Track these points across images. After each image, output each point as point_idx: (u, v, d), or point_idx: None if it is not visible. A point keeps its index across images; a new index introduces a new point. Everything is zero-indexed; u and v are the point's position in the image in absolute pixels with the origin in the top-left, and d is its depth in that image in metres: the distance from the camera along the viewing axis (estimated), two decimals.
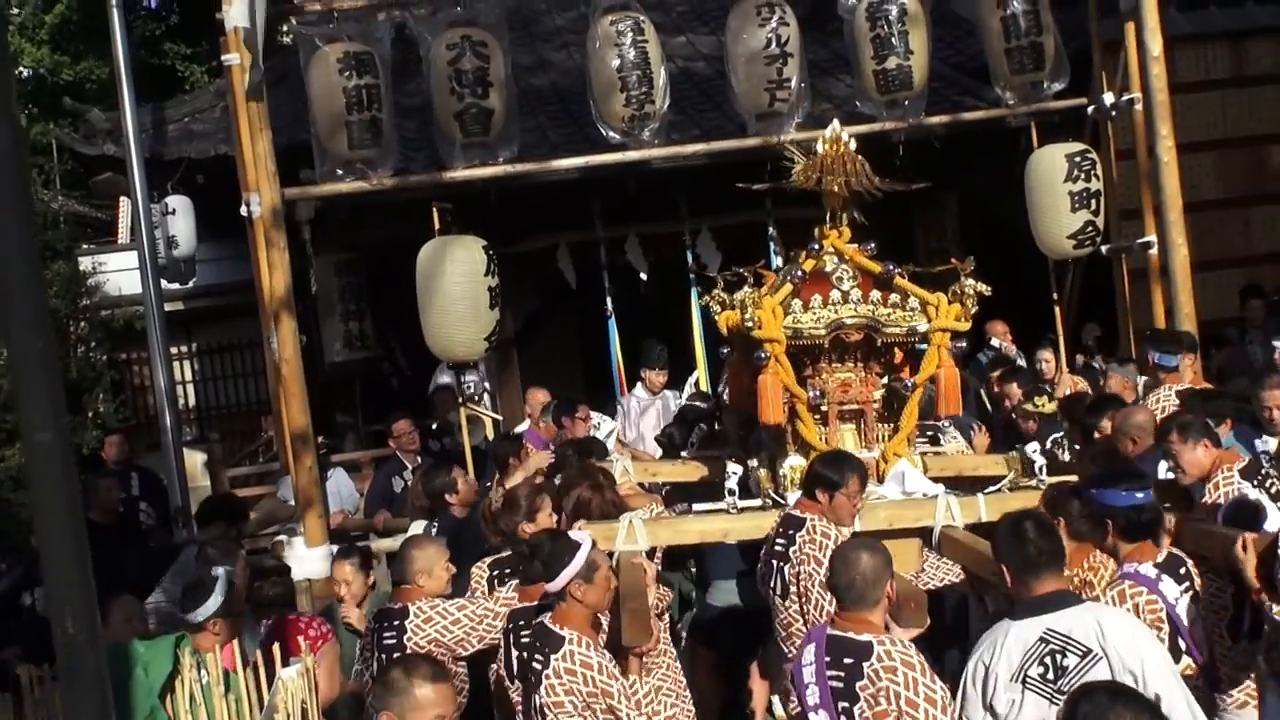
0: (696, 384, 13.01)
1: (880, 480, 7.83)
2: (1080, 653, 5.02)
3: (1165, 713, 4.59)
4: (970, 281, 7.93)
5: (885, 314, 7.77)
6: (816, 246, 7.87)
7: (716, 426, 10.09)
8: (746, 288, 7.93)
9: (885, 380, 8.07)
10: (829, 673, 5.40)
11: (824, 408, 7.83)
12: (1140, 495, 6.14)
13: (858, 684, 5.30)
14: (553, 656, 5.94)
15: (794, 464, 7.75)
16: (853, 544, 6.02)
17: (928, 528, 7.37)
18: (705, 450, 9.60)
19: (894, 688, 5.24)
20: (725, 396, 10.15)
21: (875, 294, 7.80)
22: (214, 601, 6.57)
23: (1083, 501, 6.37)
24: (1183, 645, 5.88)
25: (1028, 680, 5.08)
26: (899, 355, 8.13)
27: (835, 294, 7.76)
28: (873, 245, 8.01)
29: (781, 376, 7.64)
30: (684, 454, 9.82)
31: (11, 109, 3.40)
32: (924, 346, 8.02)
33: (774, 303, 7.67)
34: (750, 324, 7.60)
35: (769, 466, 8.08)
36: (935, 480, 7.99)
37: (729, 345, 8.49)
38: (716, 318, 8.40)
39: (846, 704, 5.32)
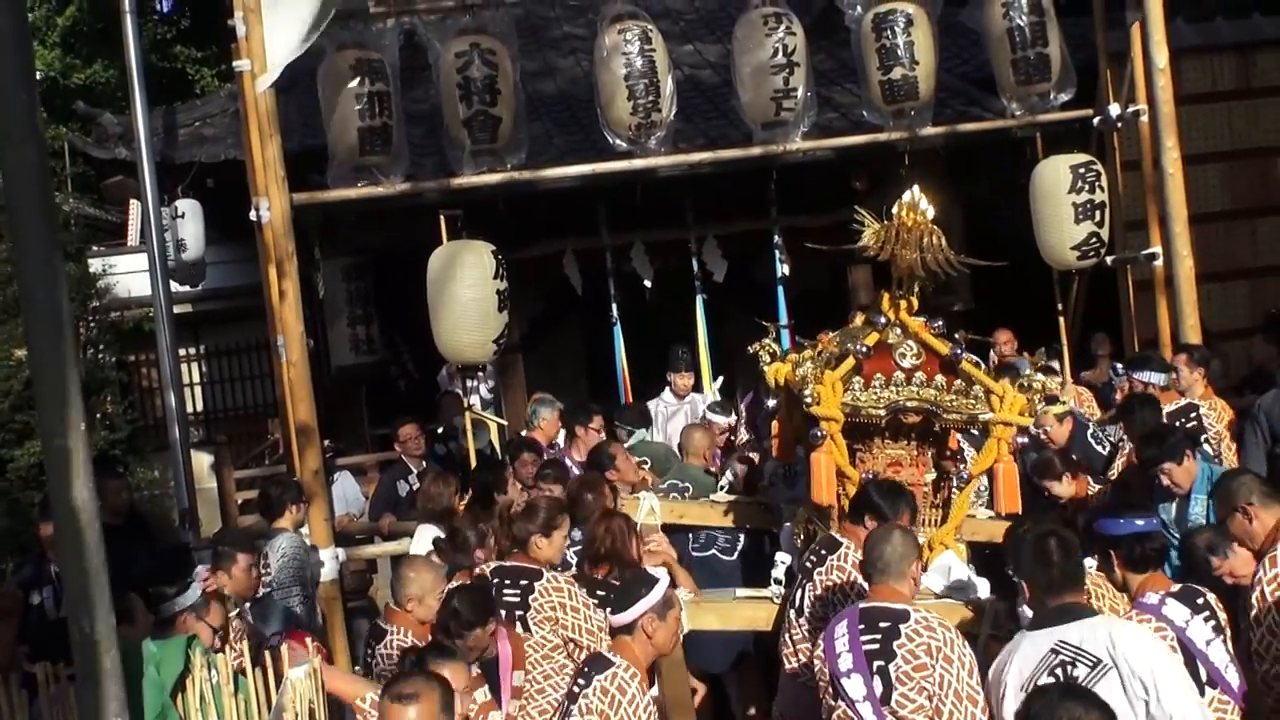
0: (720, 390, 12.99)
1: (924, 568, 7.42)
2: (1090, 663, 5.02)
3: None
4: (1040, 376, 7.74)
5: (948, 400, 7.52)
6: (882, 320, 7.57)
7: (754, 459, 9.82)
8: (808, 360, 7.61)
9: (937, 463, 7.87)
10: (863, 638, 5.54)
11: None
12: (1140, 523, 6.05)
13: (895, 643, 5.49)
14: (597, 676, 5.72)
15: None
16: (884, 527, 6.23)
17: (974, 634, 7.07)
18: (742, 492, 9.41)
19: (934, 643, 5.46)
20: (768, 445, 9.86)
21: (940, 378, 7.53)
22: (189, 596, 6.70)
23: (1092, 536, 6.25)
24: (1203, 674, 5.58)
25: None
26: (954, 440, 7.94)
27: (898, 374, 7.50)
28: (940, 323, 7.86)
29: (835, 456, 7.42)
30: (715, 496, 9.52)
31: (38, 128, 3.50)
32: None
33: (835, 378, 7.38)
34: (809, 399, 7.34)
35: (806, 535, 7.80)
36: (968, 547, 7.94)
37: (775, 397, 8.34)
38: (765, 368, 8.08)
39: (882, 662, 5.47)
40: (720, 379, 13.04)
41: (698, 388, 13.48)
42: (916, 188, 7.63)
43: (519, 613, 7.09)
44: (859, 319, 7.98)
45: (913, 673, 5.43)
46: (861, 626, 5.59)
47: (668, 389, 12.99)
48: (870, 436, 7.68)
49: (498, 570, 7.39)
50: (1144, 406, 9.32)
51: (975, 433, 8.01)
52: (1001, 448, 7.58)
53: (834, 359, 7.60)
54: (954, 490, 7.85)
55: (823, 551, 6.92)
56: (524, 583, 7.20)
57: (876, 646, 5.51)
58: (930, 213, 7.49)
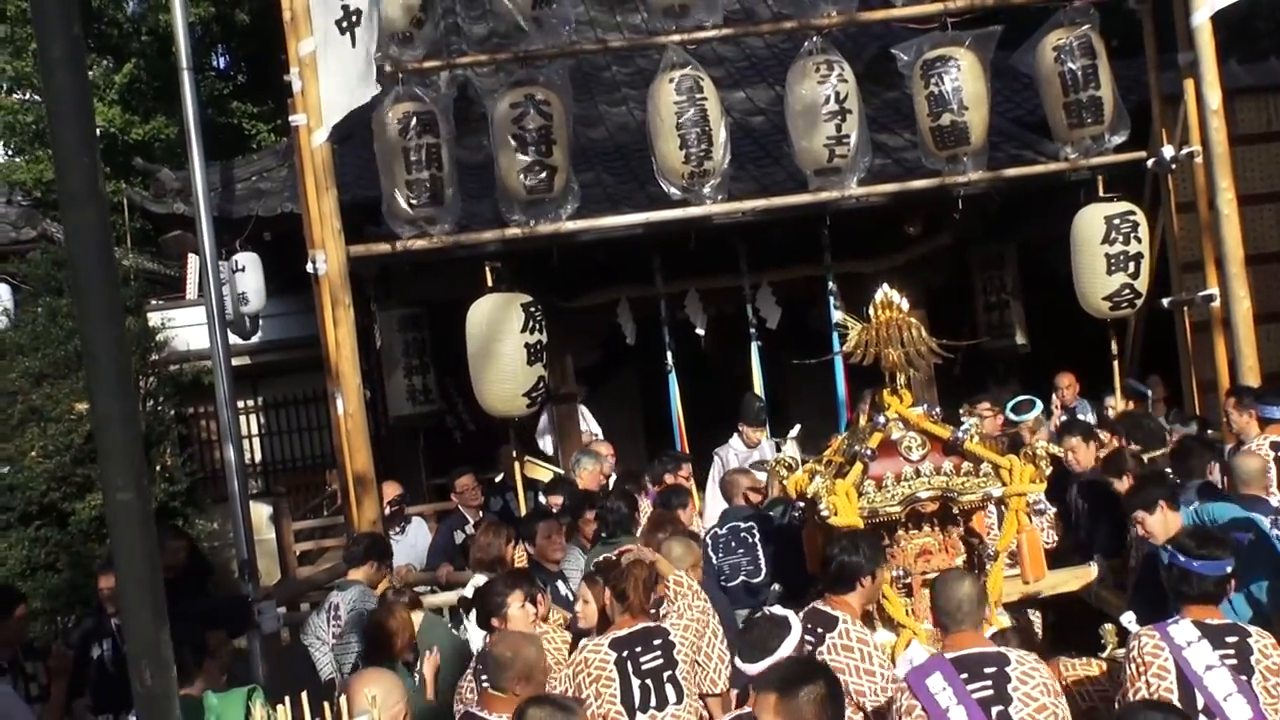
0: (799, 438, 12.84)
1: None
2: None
3: None
4: (1042, 443, 7.95)
5: (959, 483, 7.65)
6: (882, 419, 7.77)
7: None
8: (817, 475, 7.75)
9: (966, 542, 7.92)
10: (971, 687, 5.54)
11: (908, 579, 7.72)
12: (1198, 563, 5.95)
13: (1008, 686, 5.53)
14: None
15: (880, 641, 7.20)
16: (951, 573, 6.41)
17: None
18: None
19: (1046, 681, 5.59)
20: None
21: (946, 463, 7.66)
22: None
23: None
24: (1200, 701, 5.50)
25: None
26: (977, 517, 8.00)
27: (907, 469, 7.64)
28: (937, 410, 8.00)
29: None
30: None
31: (99, 190, 3.57)
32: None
33: (847, 486, 7.53)
34: (826, 512, 7.46)
35: None
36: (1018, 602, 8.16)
37: (801, 510, 8.40)
38: (785, 482, 8.26)
39: (1001, 707, 5.48)
40: (798, 428, 12.83)
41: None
42: (886, 286, 7.93)
43: (667, 673, 6.92)
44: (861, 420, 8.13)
45: (1035, 714, 5.46)
46: (964, 676, 5.57)
47: (737, 436, 12.94)
48: (894, 532, 7.78)
49: (621, 640, 7.01)
50: (1195, 454, 9.28)
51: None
52: (1021, 518, 7.79)
53: (842, 468, 7.78)
54: (986, 567, 7.91)
55: (819, 630, 6.75)
56: (656, 642, 7.02)
57: (991, 692, 5.52)
58: (905, 306, 7.80)
